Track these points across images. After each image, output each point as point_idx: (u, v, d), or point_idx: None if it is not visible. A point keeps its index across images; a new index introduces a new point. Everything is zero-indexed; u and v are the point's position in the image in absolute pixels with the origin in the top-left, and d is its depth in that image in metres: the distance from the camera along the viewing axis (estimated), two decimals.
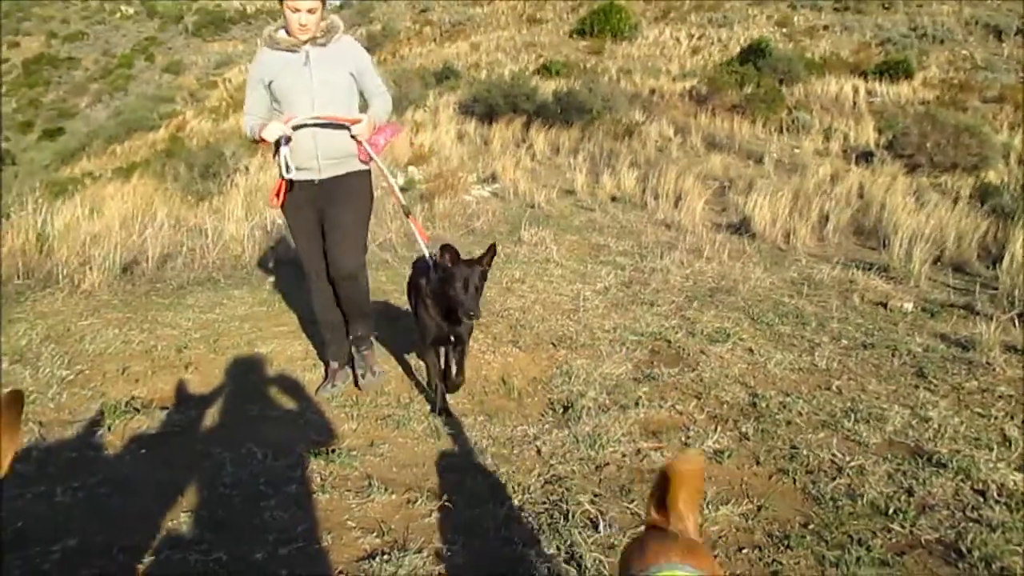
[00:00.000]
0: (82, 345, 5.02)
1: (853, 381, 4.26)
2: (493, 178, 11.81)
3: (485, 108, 16.23)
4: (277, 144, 3.76)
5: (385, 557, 2.53)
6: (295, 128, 3.75)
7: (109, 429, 3.67)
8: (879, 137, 14.76)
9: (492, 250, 3.66)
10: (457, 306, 3.48)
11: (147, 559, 2.60)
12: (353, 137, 3.84)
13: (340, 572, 2.46)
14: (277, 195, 3.89)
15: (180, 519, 2.85)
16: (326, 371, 4.34)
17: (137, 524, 2.83)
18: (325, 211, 3.95)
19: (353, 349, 4.31)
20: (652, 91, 18.57)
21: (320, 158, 3.84)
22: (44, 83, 45.29)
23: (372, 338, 4.40)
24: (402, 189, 11.26)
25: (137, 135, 27.68)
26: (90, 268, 6.77)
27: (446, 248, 3.53)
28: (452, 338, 3.83)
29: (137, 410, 3.91)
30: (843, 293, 6.24)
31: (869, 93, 18.88)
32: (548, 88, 17.30)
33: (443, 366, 4.02)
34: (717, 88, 17.21)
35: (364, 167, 4.02)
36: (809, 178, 11.29)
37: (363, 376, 4.20)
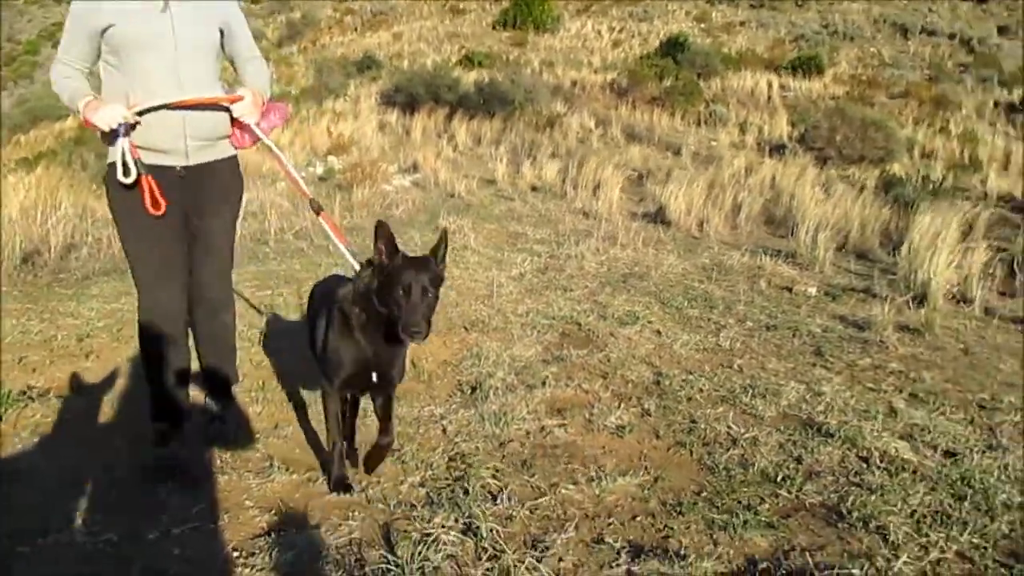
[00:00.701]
0: None
1: (754, 360, 4.41)
2: (414, 168, 11.77)
3: (407, 98, 16.16)
4: (113, 134, 2.80)
5: (282, 534, 2.52)
6: (142, 113, 2.80)
7: (1, 419, 3.55)
8: (792, 130, 15.22)
9: (444, 239, 2.64)
10: (396, 319, 2.45)
11: (34, 542, 2.53)
12: (234, 121, 2.97)
13: (234, 548, 2.44)
14: (155, 201, 2.84)
15: (72, 504, 2.77)
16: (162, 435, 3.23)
17: (29, 511, 2.75)
18: (189, 214, 3.03)
19: (210, 401, 3.46)
20: (574, 83, 18.76)
21: (189, 137, 2.90)
22: None
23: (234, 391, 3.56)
24: (321, 179, 11.18)
25: (43, 124, 26.53)
26: None
27: (381, 228, 2.54)
28: (376, 378, 2.74)
29: (32, 399, 3.78)
30: (751, 278, 6.44)
31: (783, 88, 19.47)
32: (470, 79, 17.31)
33: (349, 422, 3.10)
34: (637, 81, 17.50)
35: (234, 152, 3.13)
36: (724, 169, 11.57)
37: (219, 429, 3.34)
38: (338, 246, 2.94)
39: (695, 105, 16.66)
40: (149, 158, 2.86)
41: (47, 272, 6.62)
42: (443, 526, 2.52)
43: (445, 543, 2.44)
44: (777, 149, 13.92)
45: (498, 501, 2.75)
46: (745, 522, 2.63)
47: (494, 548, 2.43)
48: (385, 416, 2.87)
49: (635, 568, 2.36)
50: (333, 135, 13.65)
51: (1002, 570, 2.44)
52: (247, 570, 2.34)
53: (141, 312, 3.07)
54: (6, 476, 3.02)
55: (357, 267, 2.77)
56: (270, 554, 2.42)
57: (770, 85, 19.35)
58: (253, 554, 2.42)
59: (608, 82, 18.75)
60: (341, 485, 2.82)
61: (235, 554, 2.41)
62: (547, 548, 2.46)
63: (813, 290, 6.12)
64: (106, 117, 2.75)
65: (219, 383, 3.41)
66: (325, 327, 2.81)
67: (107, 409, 3.67)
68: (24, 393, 3.86)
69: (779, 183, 10.82)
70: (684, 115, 16.30)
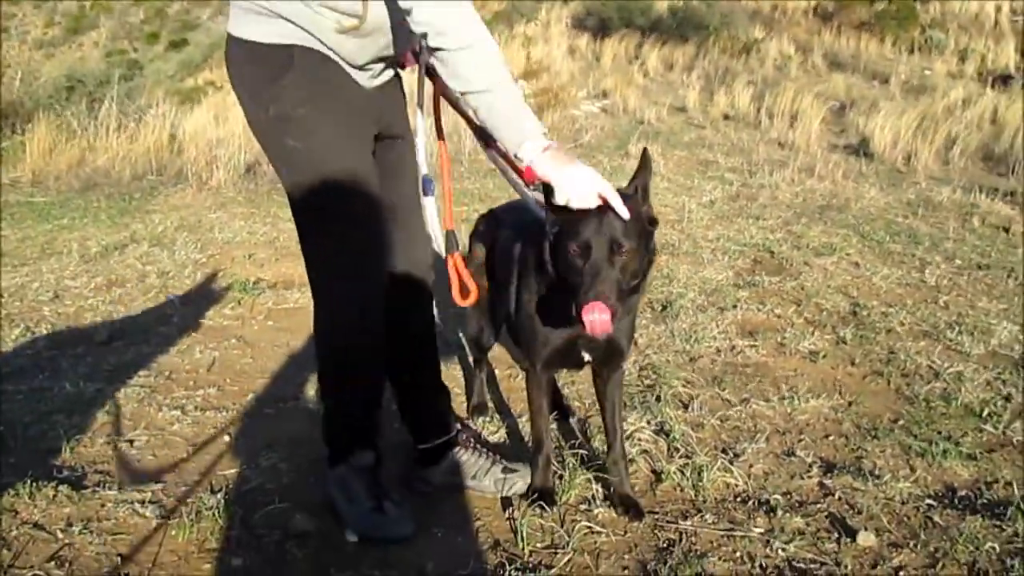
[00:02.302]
0: (212, 234, 5.43)
1: (962, 298, 4.19)
2: (604, 94, 11.70)
3: (598, 23, 15.95)
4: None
5: (488, 419, 2.77)
6: None
7: (239, 303, 4.02)
8: (1021, 60, 13.74)
9: (646, 164, 1.92)
10: (575, 292, 1.82)
11: (275, 406, 2.92)
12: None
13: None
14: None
15: (304, 377, 3.13)
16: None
17: (270, 380, 3.15)
18: (386, 145, 2.15)
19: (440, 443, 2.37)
20: (774, 7, 17.72)
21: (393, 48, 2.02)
22: None
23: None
24: None
25: None
26: (216, 167, 7.23)
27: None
28: (589, 356, 2.15)
29: (263, 289, 4.24)
30: (962, 216, 6.03)
31: (1013, 12, 17.47)
32: (664, 4, 16.78)
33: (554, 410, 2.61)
34: (844, 4, 16.30)
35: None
36: (938, 100, 10.70)
37: (500, 482, 2.33)
38: (513, 180, 2.10)
39: (908, 31, 15.34)
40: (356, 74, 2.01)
41: (266, 181, 7.22)
42: (636, 426, 2.64)
43: (639, 440, 2.56)
44: (1002, 80, 12.63)
45: (689, 409, 2.84)
46: (945, 451, 2.57)
47: (686, 449, 2.53)
48: (611, 413, 2.23)
49: (827, 481, 2.39)
50: (529, 59, 13.72)
51: None
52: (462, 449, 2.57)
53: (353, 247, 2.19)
54: (246, 349, 3.44)
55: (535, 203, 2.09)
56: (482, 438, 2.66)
57: (999, 8, 17.43)
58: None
59: (812, 6, 17.58)
60: (543, 496, 2.21)
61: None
62: (737, 455, 2.53)
63: None
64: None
65: (441, 399, 2.43)
66: (517, 283, 2.21)
67: None
68: (255, 284, 4.34)
69: (1002, 117, 9.89)
70: (896, 42, 15.06)
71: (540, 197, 2.02)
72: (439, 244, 2.13)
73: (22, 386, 3.11)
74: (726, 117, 10.44)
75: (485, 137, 2.09)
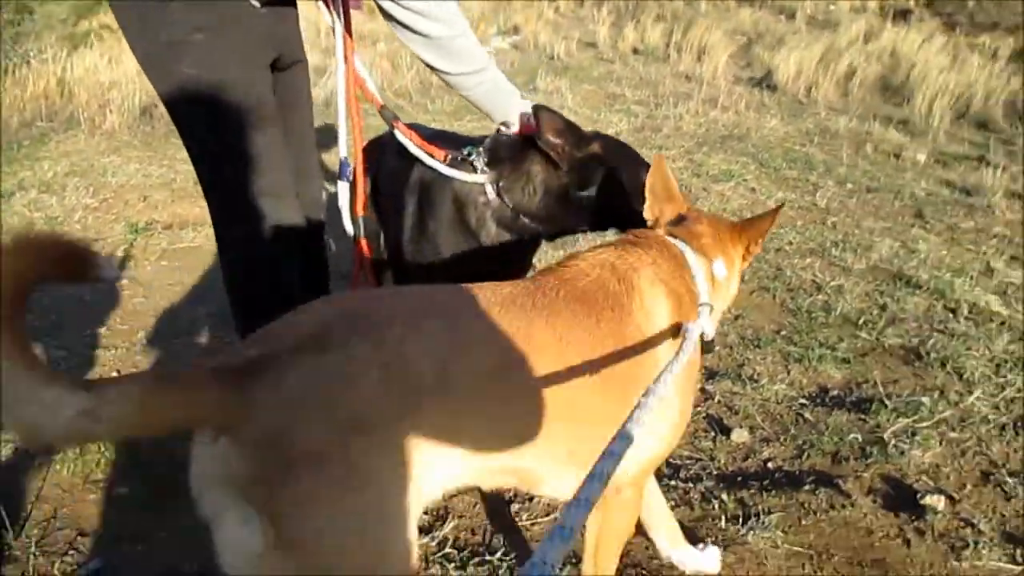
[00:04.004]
0: (105, 178, 5.23)
1: (849, 218, 4.36)
2: (515, 30, 11.57)
3: None
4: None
5: None
6: None
7: (132, 244, 3.90)
8: None
9: None
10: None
11: (168, 342, 2.86)
12: None
13: None
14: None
15: (196, 313, 3.08)
16: None
17: (161, 318, 3.08)
18: (282, 73, 2.04)
19: None
20: None
21: None
22: None
23: None
24: None
25: None
26: (109, 111, 6.92)
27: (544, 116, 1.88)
28: None
29: (156, 230, 4.13)
30: (857, 143, 6.24)
31: None
32: None
33: None
34: None
35: None
36: (841, 35, 10.95)
37: None
38: (424, 159, 2.03)
39: None
40: None
41: (163, 123, 6.95)
42: None
43: None
44: (902, 14, 13.00)
45: None
46: (820, 357, 2.70)
47: None
48: None
49: (708, 387, 2.49)
50: None
51: None
52: None
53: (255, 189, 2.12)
54: (138, 289, 3.36)
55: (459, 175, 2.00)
56: None
57: None
58: None
59: None
60: None
61: None
62: None
63: (922, 156, 5.90)
64: None
65: None
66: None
67: None
68: (149, 225, 4.21)
69: (900, 50, 10.20)
70: None
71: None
72: (348, 225, 2.07)
73: None
74: (635, 52, 10.47)
75: (388, 117, 2.05)
